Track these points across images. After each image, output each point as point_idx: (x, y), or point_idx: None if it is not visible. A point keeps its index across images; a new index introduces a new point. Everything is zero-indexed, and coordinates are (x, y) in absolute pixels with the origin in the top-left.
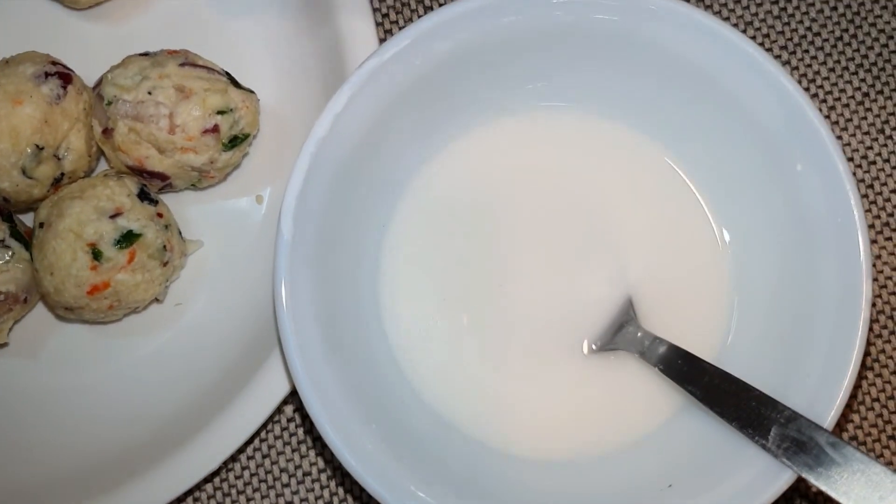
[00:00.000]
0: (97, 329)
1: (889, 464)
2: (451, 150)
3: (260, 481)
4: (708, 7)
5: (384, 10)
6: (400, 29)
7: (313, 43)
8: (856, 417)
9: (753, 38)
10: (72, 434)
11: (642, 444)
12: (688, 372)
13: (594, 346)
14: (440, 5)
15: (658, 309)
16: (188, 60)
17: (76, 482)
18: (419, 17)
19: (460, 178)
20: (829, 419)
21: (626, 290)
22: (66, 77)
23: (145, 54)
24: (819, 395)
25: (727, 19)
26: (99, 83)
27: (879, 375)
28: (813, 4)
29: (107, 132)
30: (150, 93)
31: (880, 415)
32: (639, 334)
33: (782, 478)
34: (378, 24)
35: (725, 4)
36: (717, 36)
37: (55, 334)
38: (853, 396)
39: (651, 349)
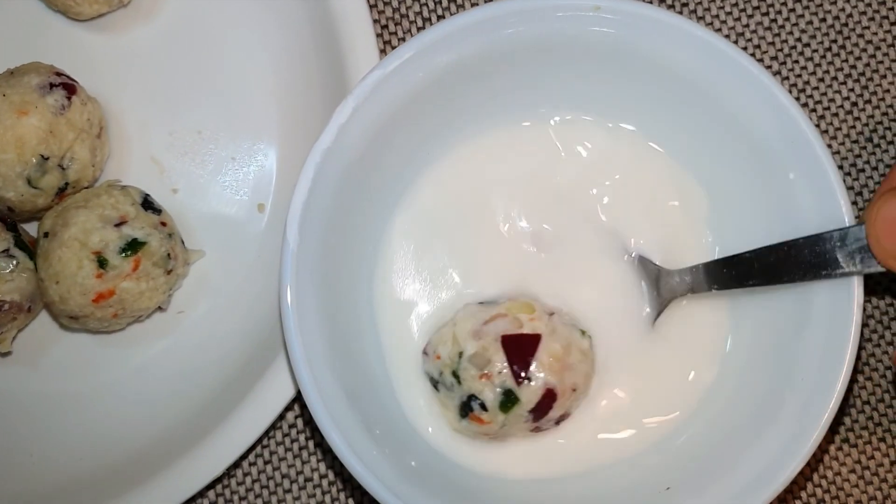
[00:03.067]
0: (100, 338)
1: (880, 465)
2: (452, 160)
3: (262, 488)
4: (700, 19)
5: (383, 22)
6: (399, 40)
7: (315, 54)
8: (847, 420)
9: (745, 49)
10: (75, 442)
11: (638, 457)
12: (738, 272)
13: (652, 315)
14: (439, 17)
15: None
16: None
17: (79, 490)
18: (418, 28)
19: (461, 188)
20: (822, 421)
21: (631, 266)
22: (70, 88)
23: None
24: (814, 397)
25: (720, 31)
26: None
27: (870, 379)
28: (802, 16)
29: None
30: None
31: (871, 417)
32: (675, 279)
33: (777, 481)
34: (377, 36)
35: (718, 16)
36: (711, 47)
37: (58, 343)
38: (845, 399)
39: (695, 279)
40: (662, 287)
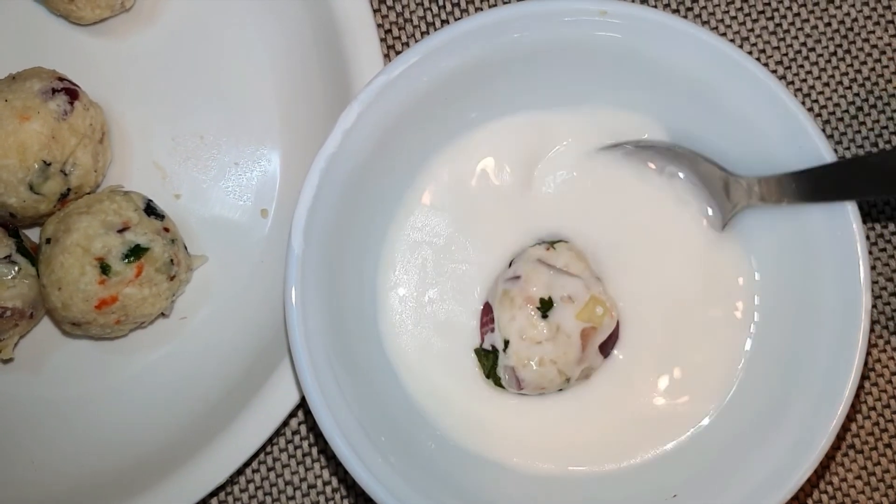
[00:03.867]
0: (102, 344)
1: (886, 471)
2: (457, 164)
3: (265, 494)
4: (706, 23)
5: (387, 26)
6: (403, 45)
7: (319, 58)
8: (853, 426)
9: (751, 53)
10: (76, 449)
11: (645, 463)
12: (817, 184)
13: (720, 227)
14: (443, 22)
15: (670, 324)
16: None
17: (80, 497)
18: (422, 33)
19: (467, 191)
20: (830, 427)
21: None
22: (72, 93)
23: None
24: (821, 404)
25: (725, 35)
26: None
27: (875, 384)
28: (808, 20)
29: None
30: None
31: (877, 423)
32: (743, 182)
33: (785, 488)
34: (381, 41)
35: (723, 21)
36: (716, 52)
37: (60, 349)
38: (851, 405)
39: (765, 190)
40: (732, 194)
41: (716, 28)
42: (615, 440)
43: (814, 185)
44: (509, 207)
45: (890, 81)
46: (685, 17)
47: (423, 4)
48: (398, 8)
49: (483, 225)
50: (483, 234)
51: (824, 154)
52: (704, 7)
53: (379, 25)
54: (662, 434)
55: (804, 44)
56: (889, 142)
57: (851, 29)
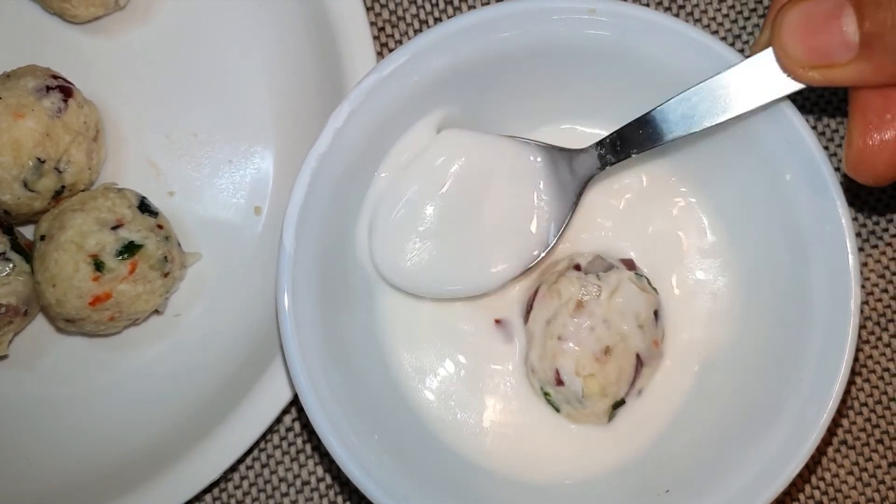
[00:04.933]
0: (96, 341)
1: (878, 467)
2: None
3: (259, 491)
4: (697, 21)
5: (380, 24)
6: (396, 43)
7: (312, 56)
8: (845, 422)
9: (742, 52)
10: (71, 445)
11: (637, 459)
12: (653, 129)
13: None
14: (436, 20)
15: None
16: None
17: (75, 493)
18: (415, 31)
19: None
20: (821, 422)
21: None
22: (66, 91)
23: None
24: (812, 399)
25: (716, 33)
26: None
27: (867, 381)
28: None
29: None
30: None
31: (868, 419)
32: (583, 155)
33: (776, 483)
34: (374, 38)
35: (714, 18)
36: (707, 50)
37: (54, 347)
38: (843, 401)
39: (609, 149)
40: (576, 167)
41: (707, 26)
42: (609, 443)
43: (648, 133)
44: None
45: None
46: (676, 15)
47: (416, 3)
48: (391, 6)
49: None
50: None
51: (815, 152)
52: (696, 5)
53: (372, 24)
54: (653, 429)
55: None
56: None
57: None
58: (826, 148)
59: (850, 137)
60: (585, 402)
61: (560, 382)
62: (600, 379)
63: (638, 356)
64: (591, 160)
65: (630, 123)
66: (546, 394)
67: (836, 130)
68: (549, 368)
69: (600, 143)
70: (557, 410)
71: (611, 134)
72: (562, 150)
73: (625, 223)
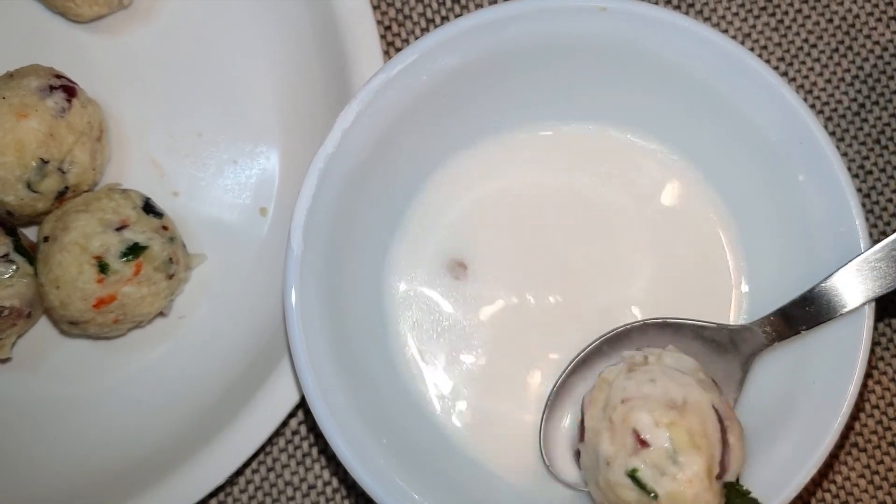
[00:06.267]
0: (100, 344)
1: (890, 470)
2: (455, 164)
3: (265, 495)
4: (707, 20)
5: (386, 23)
6: (403, 42)
7: (318, 55)
8: (856, 425)
9: (752, 50)
10: (75, 449)
11: None
12: (815, 307)
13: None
14: (443, 18)
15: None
16: None
17: (79, 497)
18: (422, 31)
19: (465, 191)
20: (835, 425)
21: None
22: (70, 90)
23: None
24: (827, 401)
25: (726, 31)
26: None
27: (879, 383)
28: (809, 17)
29: None
30: None
31: (880, 421)
32: (747, 334)
33: (789, 487)
34: (381, 38)
35: (724, 17)
36: (717, 48)
37: (58, 349)
38: (855, 404)
39: (766, 330)
40: (742, 346)
41: (717, 25)
42: None
43: (819, 308)
44: (512, 208)
45: (892, 78)
46: (686, 13)
47: (423, 1)
48: (398, 5)
49: (489, 221)
50: (490, 230)
51: (828, 152)
52: (706, 3)
53: (378, 22)
54: None
55: (806, 40)
56: (892, 139)
57: (853, 25)
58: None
59: None
60: (681, 460)
61: (643, 443)
62: (685, 426)
63: (716, 410)
64: (757, 338)
65: (795, 300)
66: (634, 472)
67: (847, 130)
68: (626, 436)
69: (764, 320)
70: (655, 497)
71: (774, 312)
72: (721, 327)
73: None
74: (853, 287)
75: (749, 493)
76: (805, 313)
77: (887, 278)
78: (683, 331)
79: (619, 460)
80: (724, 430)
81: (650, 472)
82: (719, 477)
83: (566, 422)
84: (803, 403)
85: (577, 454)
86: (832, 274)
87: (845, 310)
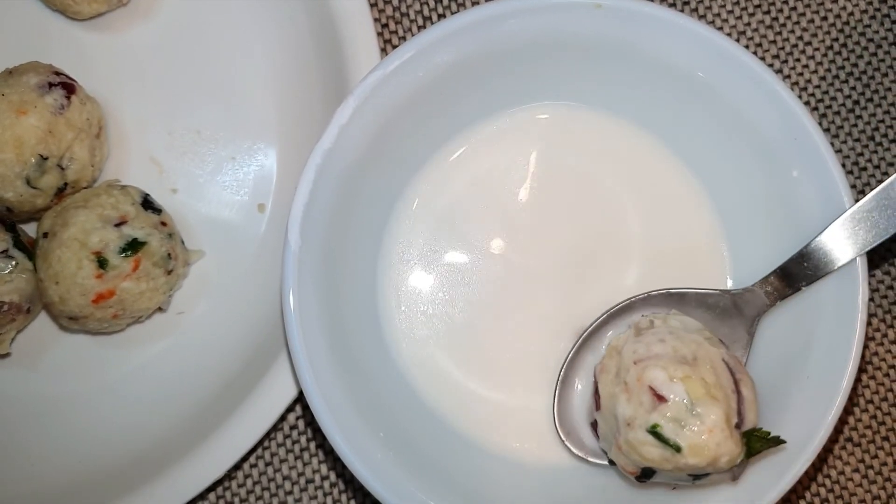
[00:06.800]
0: (99, 339)
1: (884, 464)
2: (453, 158)
3: (263, 489)
4: (702, 17)
5: (384, 21)
6: (400, 39)
7: (315, 52)
8: (851, 419)
9: (747, 47)
10: (74, 444)
11: None
12: (804, 268)
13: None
14: (440, 16)
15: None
16: None
17: (79, 492)
18: (419, 27)
19: (462, 185)
20: (829, 419)
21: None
22: (69, 87)
23: None
24: (820, 394)
25: (721, 29)
26: None
27: (873, 377)
28: (804, 15)
29: None
30: None
31: (874, 416)
32: (750, 296)
33: (784, 481)
34: (377, 34)
35: (719, 15)
36: (712, 45)
37: (58, 344)
38: (849, 398)
39: (767, 290)
40: (745, 309)
41: (712, 22)
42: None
43: (816, 262)
44: (507, 203)
45: (886, 75)
46: (681, 10)
47: None
48: (395, 2)
49: (481, 215)
50: (482, 223)
51: (822, 148)
52: (701, 1)
53: (376, 20)
54: None
55: (800, 38)
56: (886, 136)
57: (848, 23)
58: (831, 144)
59: None
60: (700, 412)
61: (660, 398)
62: (699, 379)
63: (727, 364)
64: (759, 299)
65: (793, 257)
66: (654, 428)
67: (842, 127)
68: (642, 395)
69: (765, 281)
70: (678, 450)
71: (773, 271)
72: (724, 293)
73: None
74: (847, 239)
75: (769, 434)
76: (803, 269)
77: (879, 227)
78: (687, 299)
79: (639, 419)
80: (736, 382)
81: (671, 427)
82: (738, 426)
83: (576, 398)
84: (796, 397)
85: (594, 426)
86: (826, 227)
87: (842, 262)
